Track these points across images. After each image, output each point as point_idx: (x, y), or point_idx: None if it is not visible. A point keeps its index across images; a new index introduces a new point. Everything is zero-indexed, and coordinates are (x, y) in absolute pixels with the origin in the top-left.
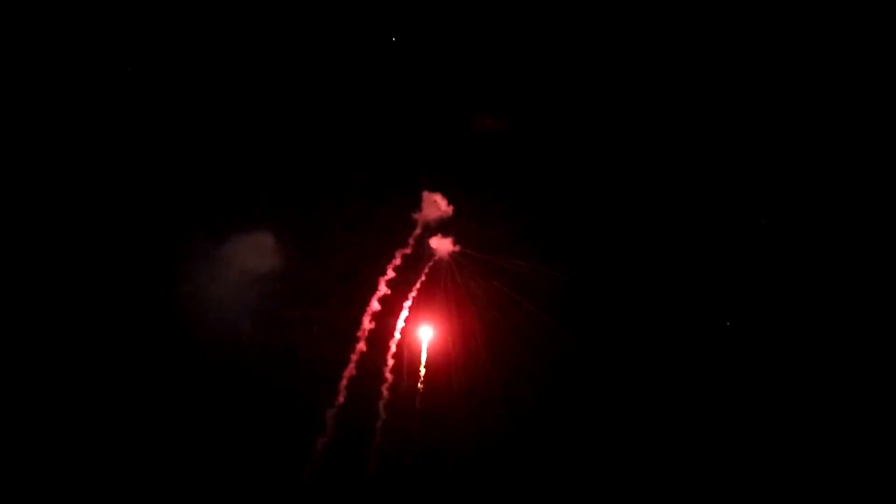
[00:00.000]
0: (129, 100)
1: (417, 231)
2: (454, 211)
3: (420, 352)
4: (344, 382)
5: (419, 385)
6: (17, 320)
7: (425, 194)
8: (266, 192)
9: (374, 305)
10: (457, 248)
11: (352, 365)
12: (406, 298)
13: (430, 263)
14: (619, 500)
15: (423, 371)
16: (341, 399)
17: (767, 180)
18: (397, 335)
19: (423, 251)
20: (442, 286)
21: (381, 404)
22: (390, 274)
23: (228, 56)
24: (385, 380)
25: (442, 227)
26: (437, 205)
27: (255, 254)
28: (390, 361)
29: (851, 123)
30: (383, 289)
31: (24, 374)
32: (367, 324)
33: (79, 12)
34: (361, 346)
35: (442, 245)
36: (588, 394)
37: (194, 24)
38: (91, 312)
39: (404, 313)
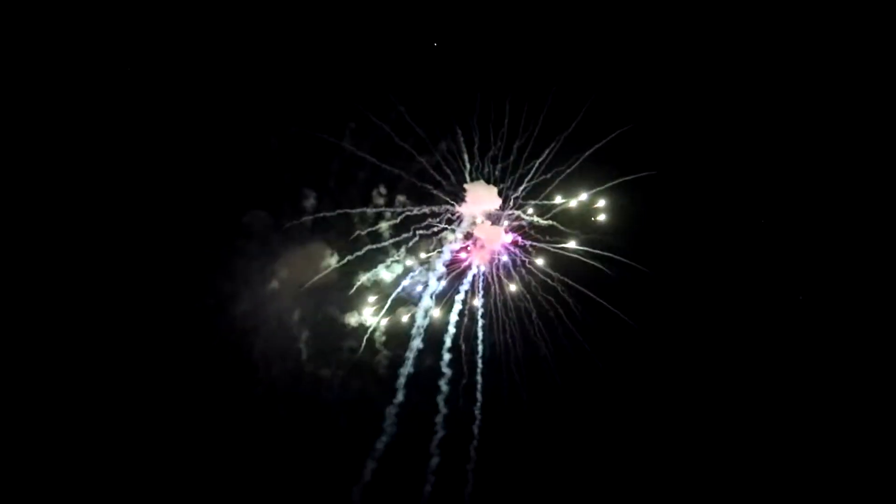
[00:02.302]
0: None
1: (464, 224)
2: (501, 199)
3: (476, 342)
4: (402, 380)
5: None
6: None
7: (468, 186)
8: (308, 200)
9: (427, 302)
10: (507, 238)
11: (408, 363)
12: (458, 292)
13: (481, 253)
14: None
15: (480, 364)
16: (400, 397)
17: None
18: (452, 328)
19: (471, 243)
20: (493, 275)
21: (440, 398)
22: (440, 269)
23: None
24: (442, 374)
25: (490, 217)
26: (482, 195)
27: (304, 264)
28: (447, 356)
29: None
30: (434, 285)
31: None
32: (421, 320)
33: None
34: (418, 343)
35: (491, 234)
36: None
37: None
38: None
39: (457, 306)
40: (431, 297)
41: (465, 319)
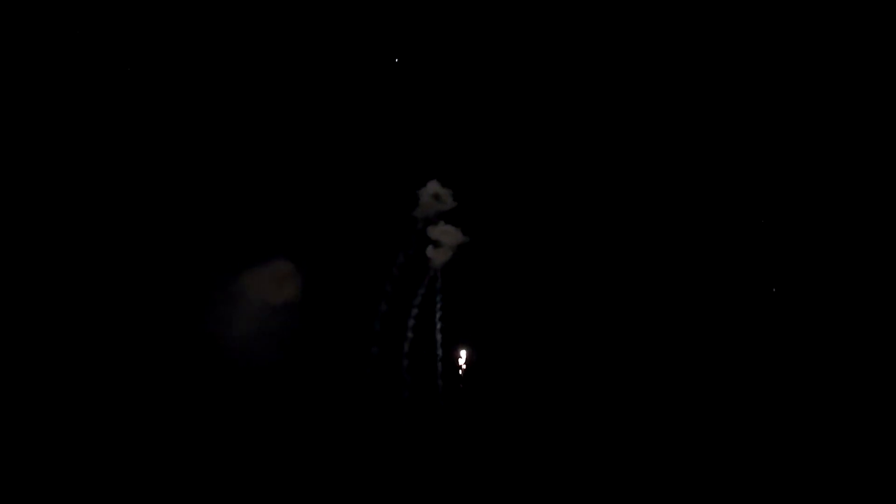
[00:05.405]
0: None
1: (420, 228)
2: (456, 200)
3: (438, 353)
4: (360, 391)
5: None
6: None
7: (422, 191)
8: (259, 209)
9: (383, 307)
10: (465, 239)
11: (368, 371)
12: (415, 296)
13: (437, 257)
14: None
15: (440, 368)
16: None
17: None
18: (409, 333)
19: (427, 247)
20: (452, 279)
21: (400, 407)
22: (396, 274)
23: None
24: (405, 382)
25: (445, 217)
26: (436, 197)
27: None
28: (405, 362)
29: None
30: (390, 291)
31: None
32: (377, 328)
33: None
34: (375, 349)
35: (446, 236)
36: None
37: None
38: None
39: (414, 311)
40: (385, 303)
41: (424, 322)
